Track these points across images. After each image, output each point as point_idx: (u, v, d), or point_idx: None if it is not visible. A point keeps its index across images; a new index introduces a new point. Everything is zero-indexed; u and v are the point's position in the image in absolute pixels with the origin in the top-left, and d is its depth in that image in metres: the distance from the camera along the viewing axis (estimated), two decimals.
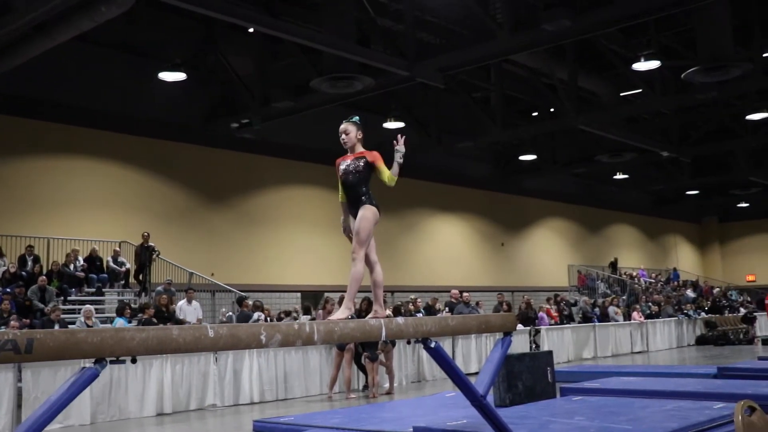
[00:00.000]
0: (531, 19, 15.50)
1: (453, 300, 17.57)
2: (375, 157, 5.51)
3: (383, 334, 5.25)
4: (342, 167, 5.58)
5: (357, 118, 5.65)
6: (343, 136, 5.62)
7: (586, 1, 15.47)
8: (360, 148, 5.60)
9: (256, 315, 14.42)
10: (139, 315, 13.30)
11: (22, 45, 14.43)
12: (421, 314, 15.48)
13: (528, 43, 15.90)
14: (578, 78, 20.11)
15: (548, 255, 30.85)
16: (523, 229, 30.31)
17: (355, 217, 5.47)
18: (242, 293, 16.91)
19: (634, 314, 22.55)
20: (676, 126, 25.82)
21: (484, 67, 20.27)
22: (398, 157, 5.56)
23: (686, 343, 23.87)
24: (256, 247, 20.70)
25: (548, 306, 20.50)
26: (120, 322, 13.01)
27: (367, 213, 5.40)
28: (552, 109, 23.04)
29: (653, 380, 10.97)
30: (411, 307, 15.97)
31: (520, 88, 23.18)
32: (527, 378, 9.54)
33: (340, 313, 5.38)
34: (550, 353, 10.61)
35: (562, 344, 18.68)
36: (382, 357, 12.79)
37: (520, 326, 16.64)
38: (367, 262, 5.50)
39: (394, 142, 5.63)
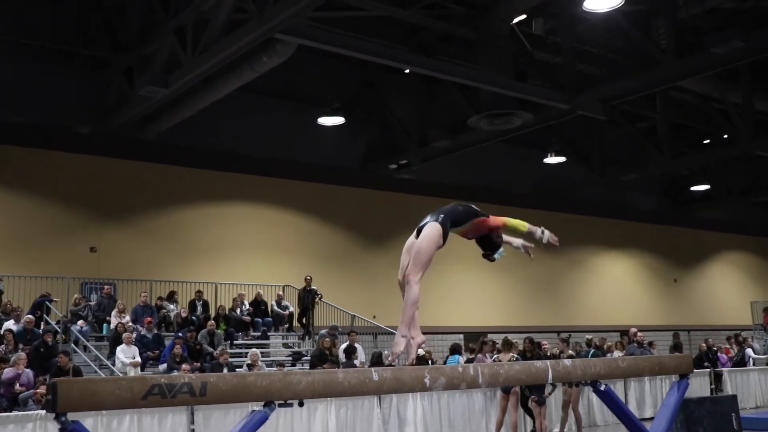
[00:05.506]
0: (698, 43, 15.00)
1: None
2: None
3: (550, 376, 5.16)
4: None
5: (500, 251, 5.05)
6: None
7: (761, 19, 14.80)
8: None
9: None
10: None
11: (190, 98, 15.43)
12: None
13: (696, 67, 15.36)
14: (754, 101, 19.16)
15: (727, 291, 29.27)
16: (697, 264, 28.98)
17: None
18: None
19: None
20: None
21: (649, 96, 19.70)
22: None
23: None
24: None
25: (727, 346, 19.35)
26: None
27: (431, 231, 4.91)
28: (725, 136, 22.04)
29: None
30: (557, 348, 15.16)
31: (689, 115, 22.37)
32: (709, 424, 9.06)
33: (398, 346, 4.74)
34: (734, 398, 10.05)
35: (748, 388, 17.56)
36: (550, 400, 12.52)
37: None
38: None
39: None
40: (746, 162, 24.51)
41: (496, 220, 5.04)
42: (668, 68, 15.27)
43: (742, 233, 30.36)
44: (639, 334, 17.10)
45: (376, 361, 14.01)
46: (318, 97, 18.82)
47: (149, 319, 14.70)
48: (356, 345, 15.27)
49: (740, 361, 19.16)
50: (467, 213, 5.03)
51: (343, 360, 14.40)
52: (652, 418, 8.57)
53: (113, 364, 13.13)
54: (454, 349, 14.60)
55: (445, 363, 14.60)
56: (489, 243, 5.10)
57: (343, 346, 15.20)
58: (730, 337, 20.58)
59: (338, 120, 18.25)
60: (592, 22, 16.33)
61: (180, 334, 14.13)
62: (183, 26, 13.41)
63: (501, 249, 5.07)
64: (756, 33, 14.05)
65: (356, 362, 14.62)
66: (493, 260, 5.12)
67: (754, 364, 18.90)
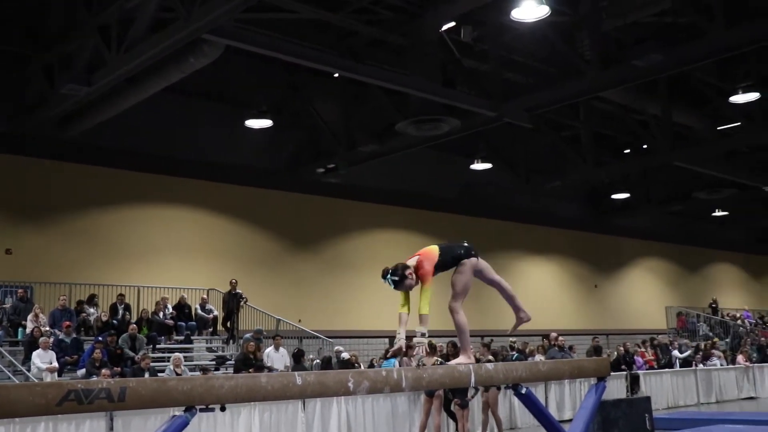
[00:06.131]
0: (620, 55, 15.35)
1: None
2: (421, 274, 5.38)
3: (472, 380, 5.21)
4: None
5: (388, 277, 5.34)
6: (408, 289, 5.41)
7: (679, 34, 15.23)
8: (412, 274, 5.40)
9: None
10: None
11: (114, 97, 15.09)
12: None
13: (618, 79, 15.72)
14: (672, 113, 19.73)
15: (644, 296, 30.08)
16: (617, 270, 29.68)
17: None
18: (329, 339, 17.04)
19: (740, 357, 21.68)
20: None
21: (573, 105, 20.11)
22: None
23: None
24: (343, 292, 20.84)
25: (642, 349, 19.92)
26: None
27: (462, 268, 5.54)
28: (645, 146, 22.64)
29: (763, 429, 10.50)
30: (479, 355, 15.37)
31: (611, 125, 22.90)
32: (624, 425, 9.28)
33: (462, 360, 5.43)
34: (647, 399, 10.33)
35: (661, 390, 18.08)
36: (474, 402, 12.63)
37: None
38: (498, 285, 5.85)
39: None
40: (665, 172, 25.21)
41: (427, 275, 5.39)
42: (591, 79, 15.59)
43: (659, 240, 31.24)
44: (560, 338, 17.46)
45: (326, 365, 14.14)
46: (245, 100, 18.65)
47: (68, 323, 14.30)
48: (282, 348, 15.20)
49: (667, 363, 19.84)
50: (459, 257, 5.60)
51: (293, 364, 14.42)
52: (571, 420, 8.74)
53: (29, 370, 12.74)
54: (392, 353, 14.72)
55: (370, 366, 14.61)
56: (399, 272, 5.33)
57: (269, 350, 15.09)
58: (645, 341, 21.13)
59: (266, 123, 18.10)
60: (519, 31, 16.57)
61: (100, 338, 13.80)
62: (107, 24, 13.10)
63: (391, 278, 5.32)
64: (674, 48, 14.47)
65: (281, 366, 14.53)
66: (384, 279, 5.36)
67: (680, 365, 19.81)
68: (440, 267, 5.50)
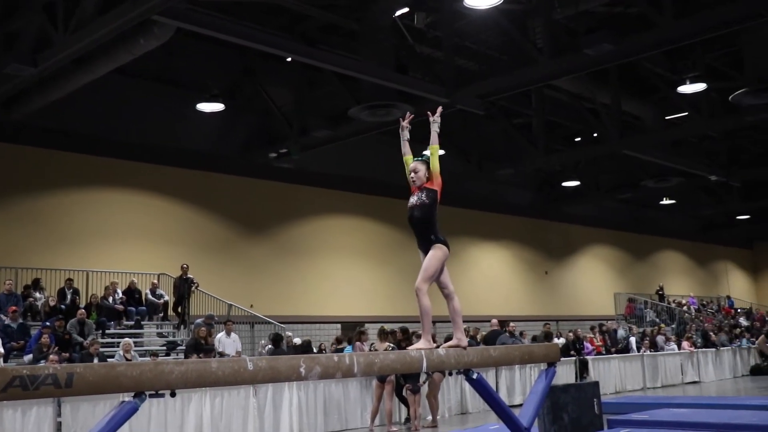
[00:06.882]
0: (572, 44, 15.49)
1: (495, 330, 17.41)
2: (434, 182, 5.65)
3: (424, 365, 5.24)
4: (409, 203, 5.71)
5: (427, 155, 5.69)
6: (413, 174, 5.73)
7: (629, 24, 15.41)
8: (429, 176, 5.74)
9: None
10: None
11: (61, 79, 14.80)
12: None
13: (569, 67, 15.86)
14: (621, 102, 19.99)
15: (593, 283, 30.53)
16: (567, 257, 30.05)
17: (425, 254, 5.55)
18: (281, 324, 16.99)
19: (685, 343, 22.17)
20: (725, 149, 25.50)
21: (525, 93, 20.25)
22: (435, 128, 5.84)
23: (740, 374, 23.39)
24: (295, 278, 20.78)
25: (591, 335, 20.28)
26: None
27: (438, 252, 5.50)
28: (595, 134, 22.92)
29: (705, 412, 10.76)
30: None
31: (562, 113, 23.12)
32: (573, 409, 9.40)
33: (422, 345, 5.42)
34: (596, 384, 10.46)
35: (609, 374, 18.42)
36: (425, 388, 12.71)
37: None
38: (445, 293, 5.67)
39: (429, 113, 5.88)
40: (614, 160, 25.57)
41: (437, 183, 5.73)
42: (543, 67, 15.69)
43: (608, 228, 31.71)
44: (511, 324, 17.67)
45: (305, 349, 14.16)
46: (197, 83, 18.42)
47: (14, 308, 14.05)
48: (233, 334, 15.11)
49: (624, 348, 20.47)
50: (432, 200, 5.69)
51: (271, 348, 14.35)
52: (521, 405, 8.84)
53: None
54: (351, 339, 14.78)
55: (320, 352, 14.61)
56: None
57: (220, 335, 14.99)
58: (594, 327, 21.49)
59: (218, 106, 17.93)
60: (472, 18, 16.63)
61: (47, 323, 13.59)
62: (53, 2, 12.79)
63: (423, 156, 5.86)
64: (624, 37, 14.64)
65: (232, 352, 14.46)
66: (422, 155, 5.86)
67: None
68: (427, 214, 5.60)
